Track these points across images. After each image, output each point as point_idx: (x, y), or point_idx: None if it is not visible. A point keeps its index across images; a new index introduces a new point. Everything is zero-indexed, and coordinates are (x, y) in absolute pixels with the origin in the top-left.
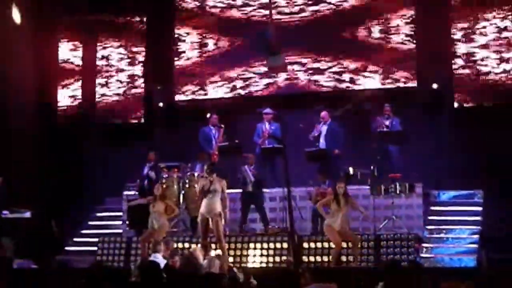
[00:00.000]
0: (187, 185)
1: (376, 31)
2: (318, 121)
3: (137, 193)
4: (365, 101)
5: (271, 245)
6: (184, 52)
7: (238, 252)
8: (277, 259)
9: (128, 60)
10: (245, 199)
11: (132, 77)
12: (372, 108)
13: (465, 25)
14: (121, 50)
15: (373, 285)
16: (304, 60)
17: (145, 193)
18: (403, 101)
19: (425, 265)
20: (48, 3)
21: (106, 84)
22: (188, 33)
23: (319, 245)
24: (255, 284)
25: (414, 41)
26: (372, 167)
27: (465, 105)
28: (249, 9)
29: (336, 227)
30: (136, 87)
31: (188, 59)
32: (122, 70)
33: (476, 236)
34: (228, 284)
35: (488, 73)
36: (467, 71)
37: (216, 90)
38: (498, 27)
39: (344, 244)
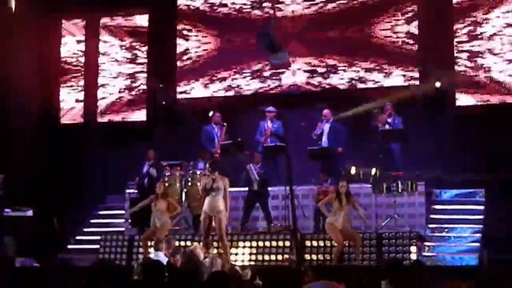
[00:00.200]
0: (189, 183)
1: (378, 30)
2: (320, 119)
3: (135, 191)
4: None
5: (274, 243)
6: (186, 50)
7: (240, 251)
8: (280, 257)
9: (130, 59)
10: (250, 198)
11: (134, 75)
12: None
13: (469, 23)
14: (123, 48)
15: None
16: (306, 59)
17: (144, 191)
18: (405, 100)
19: (426, 264)
20: (49, 1)
21: (108, 83)
22: (190, 31)
23: (321, 243)
24: (260, 284)
25: (417, 40)
26: (374, 169)
27: (467, 104)
28: (251, 7)
29: (338, 226)
30: (138, 86)
31: (190, 57)
32: (124, 69)
33: (478, 235)
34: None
35: (490, 72)
36: (469, 70)
37: (219, 88)
38: (501, 26)
39: (346, 243)
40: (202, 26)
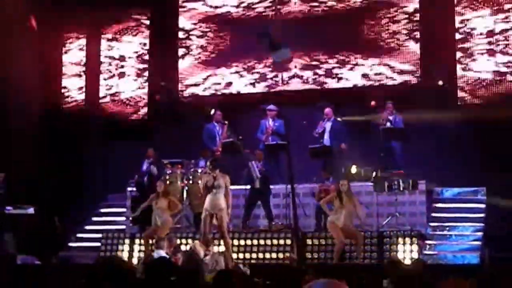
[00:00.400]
0: (190, 181)
1: (378, 27)
2: (322, 118)
3: (134, 189)
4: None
5: (275, 241)
6: (188, 47)
7: (242, 249)
8: (281, 255)
9: (132, 56)
10: (252, 196)
11: (136, 73)
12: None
13: (470, 21)
14: (125, 46)
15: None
16: (307, 57)
17: (144, 189)
18: (407, 98)
19: (428, 262)
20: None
21: (109, 80)
22: (192, 29)
23: (322, 241)
24: (260, 282)
25: (418, 37)
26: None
27: (469, 102)
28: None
29: (339, 224)
30: (139, 84)
31: (192, 55)
32: (125, 66)
33: (479, 233)
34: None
35: (493, 70)
36: (471, 68)
37: (220, 87)
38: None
39: (347, 241)
40: (204, 23)
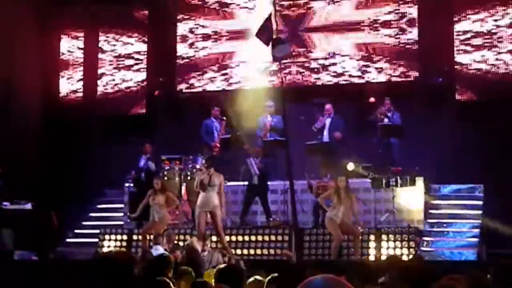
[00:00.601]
0: (188, 178)
1: (378, 24)
2: (321, 114)
3: (132, 184)
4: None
5: (273, 237)
6: (186, 43)
7: (240, 245)
8: (278, 251)
9: (131, 52)
10: (250, 192)
11: (134, 69)
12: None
13: (468, 18)
14: (123, 42)
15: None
16: (305, 55)
17: (141, 185)
18: (405, 95)
19: (425, 259)
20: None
21: (108, 76)
22: (190, 25)
23: (320, 238)
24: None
25: (417, 34)
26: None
27: (467, 99)
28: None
29: (337, 221)
30: (138, 79)
31: (190, 50)
32: (124, 62)
33: (476, 230)
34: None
35: (491, 67)
36: (469, 65)
37: (219, 82)
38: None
39: (345, 237)
40: (202, 19)
